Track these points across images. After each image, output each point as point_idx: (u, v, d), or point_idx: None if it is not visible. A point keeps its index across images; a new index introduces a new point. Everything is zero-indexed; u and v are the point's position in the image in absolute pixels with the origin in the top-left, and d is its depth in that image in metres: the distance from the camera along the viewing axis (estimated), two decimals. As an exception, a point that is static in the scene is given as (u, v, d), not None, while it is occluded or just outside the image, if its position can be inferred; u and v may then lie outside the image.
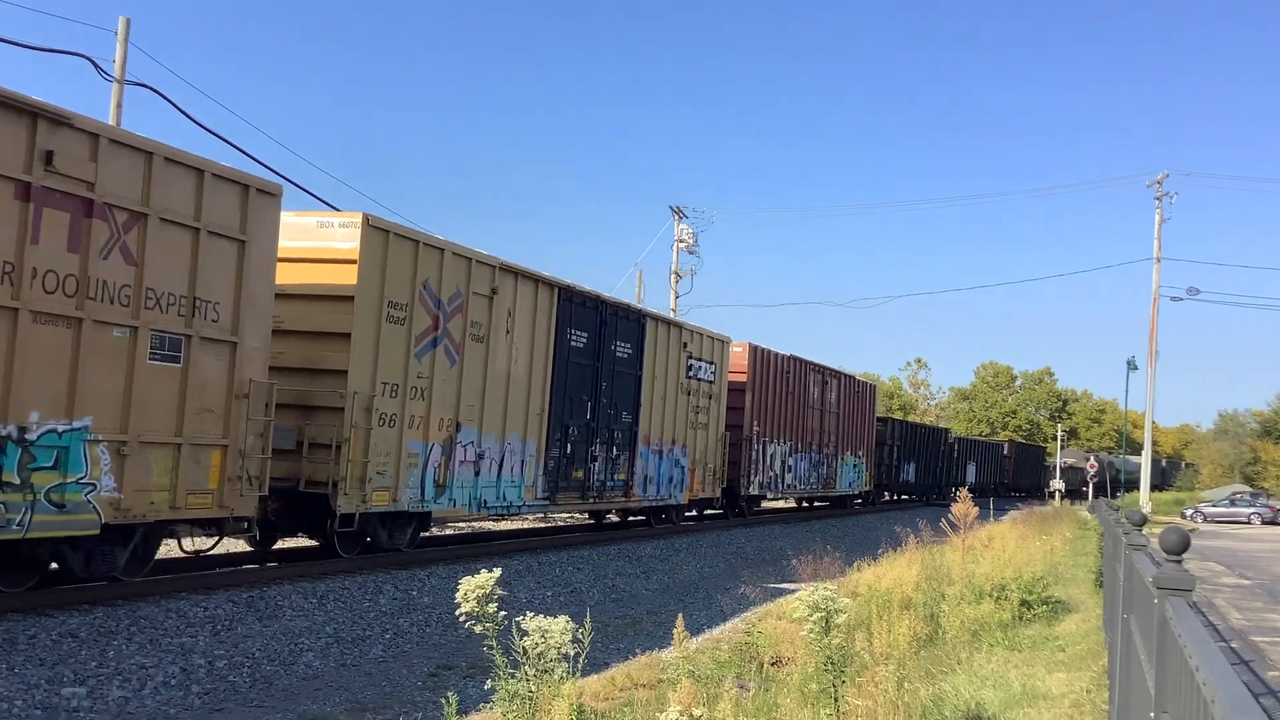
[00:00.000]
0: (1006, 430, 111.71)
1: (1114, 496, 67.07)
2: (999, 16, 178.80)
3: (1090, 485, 71.00)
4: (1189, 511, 59.12)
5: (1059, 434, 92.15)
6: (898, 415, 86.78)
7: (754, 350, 29.41)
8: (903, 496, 51.72)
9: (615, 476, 21.67)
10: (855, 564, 17.19)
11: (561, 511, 23.47)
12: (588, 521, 26.26)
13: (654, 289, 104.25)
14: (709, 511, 29.62)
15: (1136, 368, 58.08)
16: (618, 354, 21.45)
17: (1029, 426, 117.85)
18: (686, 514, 27.30)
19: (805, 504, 39.35)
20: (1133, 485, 75.32)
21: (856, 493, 40.80)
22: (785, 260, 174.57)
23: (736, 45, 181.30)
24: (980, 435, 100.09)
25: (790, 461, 32.47)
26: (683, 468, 25.07)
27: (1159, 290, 49.31)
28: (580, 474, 20.42)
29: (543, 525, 26.26)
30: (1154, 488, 62.83)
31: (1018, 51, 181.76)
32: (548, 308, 19.00)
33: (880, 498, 46.50)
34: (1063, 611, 15.55)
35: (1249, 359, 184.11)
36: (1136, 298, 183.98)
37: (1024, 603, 14.75)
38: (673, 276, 44.97)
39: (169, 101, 20.33)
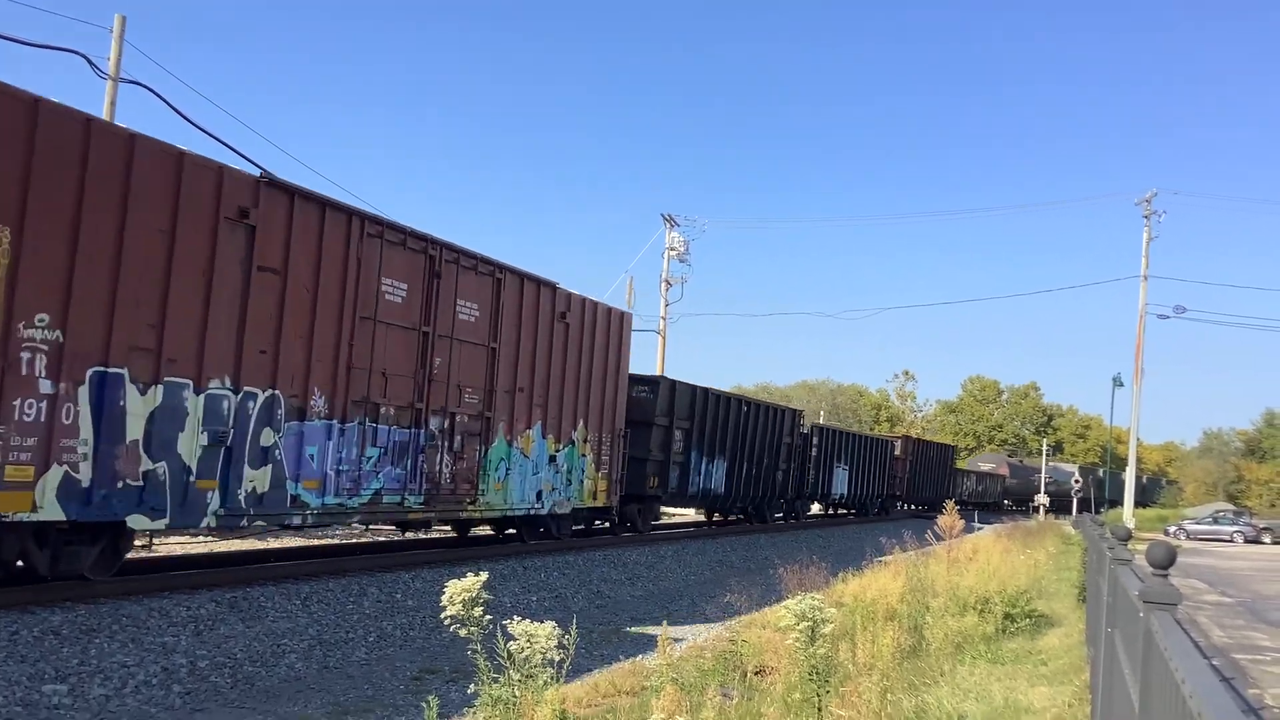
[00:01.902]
0: (992, 444, 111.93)
1: (1098, 513, 67.23)
2: (990, 31, 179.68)
3: (1075, 500, 70.74)
4: (1172, 529, 59.32)
5: (1044, 448, 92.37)
6: (883, 428, 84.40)
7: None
8: (726, 517, 33.84)
9: None
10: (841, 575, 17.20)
11: None
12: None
13: (645, 296, 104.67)
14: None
15: (1122, 384, 58.20)
16: None
17: (1015, 441, 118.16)
18: None
19: (406, 531, 19.82)
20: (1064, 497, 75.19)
21: (564, 511, 20.63)
22: (775, 270, 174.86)
23: (731, 55, 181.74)
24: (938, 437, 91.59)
25: (291, 435, 13.58)
26: None
27: (1146, 308, 49.49)
28: None
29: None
30: (1138, 504, 62.77)
31: (1009, 64, 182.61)
32: None
33: (650, 520, 26.70)
34: (1045, 626, 15.58)
35: (1234, 378, 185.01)
36: (1123, 314, 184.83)
37: (1007, 616, 14.79)
38: (663, 284, 45.03)
39: (163, 100, 20.25)
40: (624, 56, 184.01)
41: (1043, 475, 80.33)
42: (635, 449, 23.78)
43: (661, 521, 31.60)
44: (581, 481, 20.90)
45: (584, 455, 20.94)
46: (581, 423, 20.81)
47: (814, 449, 37.73)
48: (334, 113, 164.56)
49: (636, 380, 24.37)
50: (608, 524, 24.40)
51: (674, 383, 26.26)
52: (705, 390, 28.24)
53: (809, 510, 40.38)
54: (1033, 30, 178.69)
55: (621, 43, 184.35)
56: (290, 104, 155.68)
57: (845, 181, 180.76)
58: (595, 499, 21.65)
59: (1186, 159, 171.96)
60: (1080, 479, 71.82)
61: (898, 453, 50.59)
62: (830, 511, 44.42)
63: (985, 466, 77.70)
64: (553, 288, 19.63)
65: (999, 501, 73.28)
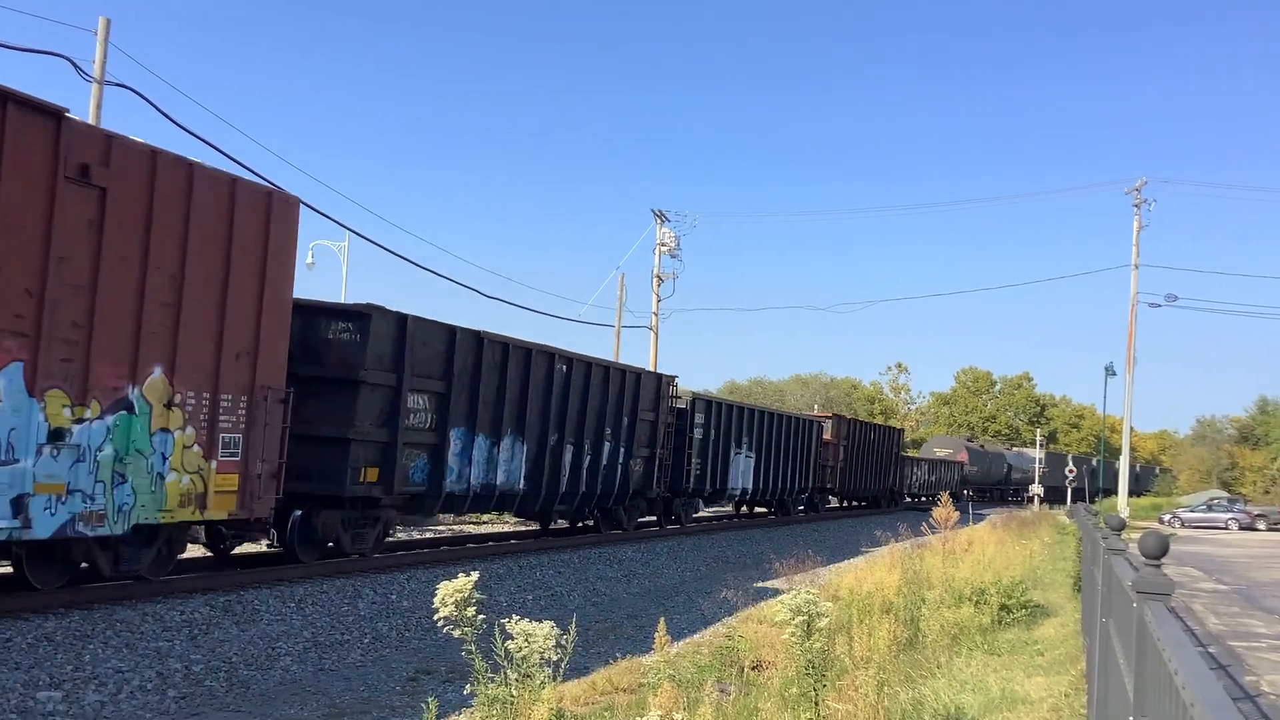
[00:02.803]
0: (986, 435, 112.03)
1: (1092, 501, 67.24)
2: (980, 23, 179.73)
3: (1069, 489, 70.68)
4: (1167, 517, 59.46)
5: (1038, 439, 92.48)
6: (878, 420, 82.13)
7: None
8: (575, 523, 24.66)
9: None
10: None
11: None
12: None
13: (636, 292, 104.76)
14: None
15: (1115, 373, 58.29)
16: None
17: (1008, 431, 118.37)
18: None
19: None
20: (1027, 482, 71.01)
21: (108, 532, 11.19)
22: (767, 263, 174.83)
23: (721, 47, 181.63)
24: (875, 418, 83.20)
25: None
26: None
27: (1137, 296, 49.57)
28: None
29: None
30: (1132, 493, 62.60)
31: (1000, 57, 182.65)
32: None
33: (373, 535, 16.77)
34: (1041, 616, 15.61)
35: (1226, 365, 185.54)
36: (1115, 304, 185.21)
37: (1003, 607, 14.81)
38: (654, 280, 45.02)
39: (149, 102, 20.16)
40: (612, 53, 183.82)
41: (1038, 463, 76.85)
42: (325, 422, 15.11)
43: (416, 537, 22.84)
44: (159, 476, 11.77)
45: (167, 430, 11.84)
46: (159, 371, 11.73)
47: (697, 429, 27.54)
48: (325, 112, 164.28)
49: (327, 312, 15.85)
50: (277, 545, 15.39)
51: (405, 318, 16.40)
52: (478, 336, 18.22)
53: (696, 512, 30.92)
54: (1023, 21, 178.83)
55: (610, 39, 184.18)
56: (282, 106, 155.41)
57: (836, 175, 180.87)
58: (206, 507, 12.41)
59: (1176, 148, 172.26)
60: (1073, 468, 69.99)
61: (828, 436, 40.48)
62: (742, 512, 36.92)
63: (940, 452, 68.06)
64: (56, 116, 10.48)
65: (957, 492, 62.30)
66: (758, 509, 37.42)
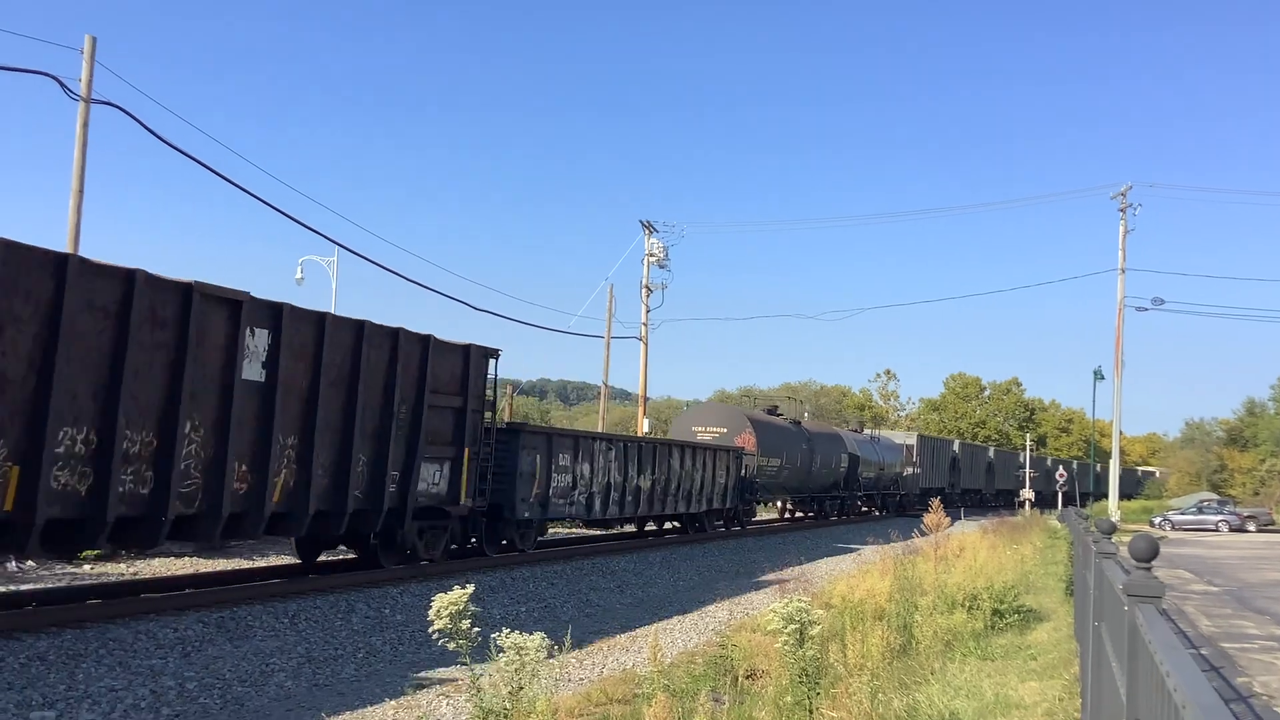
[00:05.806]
0: (976, 440, 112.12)
1: (1083, 506, 67.33)
2: (972, 32, 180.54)
3: (1060, 494, 70.61)
4: (1158, 520, 59.61)
5: (1027, 443, 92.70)
6: (868, 426, 77.46)
7: None
8: None
9: None
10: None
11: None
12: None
13: (626, 303, 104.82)
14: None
15: (1103, 377, 58.46)
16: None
17: (998, 436, 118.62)
18: None
19: None
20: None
21: None
22: (756, 273, 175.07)
23: (712, 58, 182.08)
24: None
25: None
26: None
27: (1124, 301, 49.76)
28: None
29: None
30: (1122, 496, 62.46)
31: (990, 64, 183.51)
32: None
33: None
34: (1034, 620, 15.65)
35: (1215, 368, 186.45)
36: (1102, 308, 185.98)
37: (996, 612, 14.84)
38: (643, 291, 45.05)
39: (136, 120, 20.20)
40: (604, 65, 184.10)
41: (911, 453, 56.25)
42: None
43: None
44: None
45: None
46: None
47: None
48: (316, 130, 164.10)
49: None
50: None
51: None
52: None
53: None
54: (1009, 28, 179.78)
55: (603, 52, 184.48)
56: (274, 124, 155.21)
57: (824, 184, 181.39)
58: None
59: (1163, 153, 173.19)
60: (1064, 472, 69.17)
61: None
62: None
63: (703, 434, 35.54)
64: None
65: (736, 507, 33.25)
66: None
